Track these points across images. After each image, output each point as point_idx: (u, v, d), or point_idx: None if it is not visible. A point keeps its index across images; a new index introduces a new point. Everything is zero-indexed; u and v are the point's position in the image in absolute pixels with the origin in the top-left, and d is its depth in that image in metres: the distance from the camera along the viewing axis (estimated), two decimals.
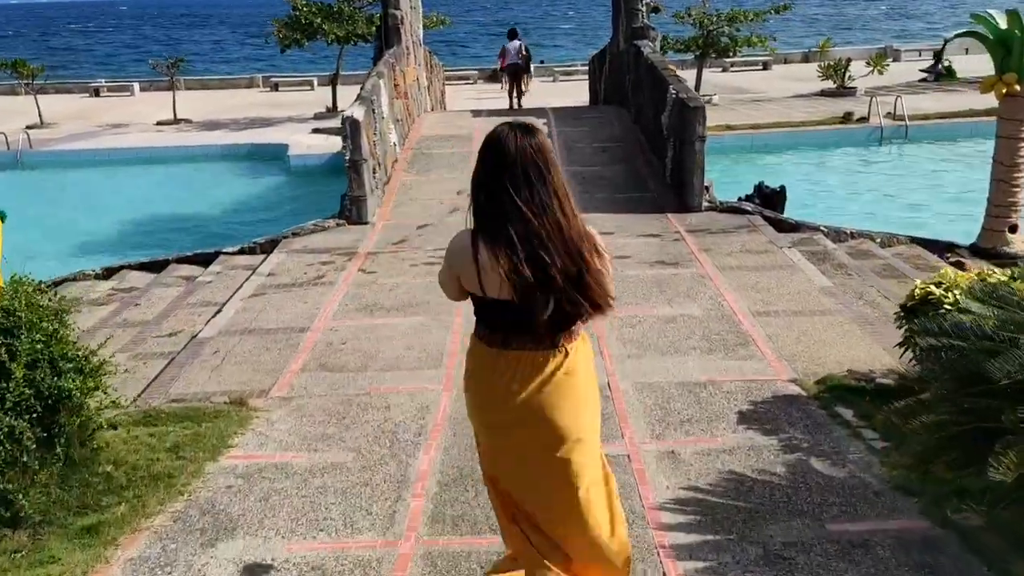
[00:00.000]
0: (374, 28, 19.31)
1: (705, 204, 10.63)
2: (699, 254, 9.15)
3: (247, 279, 8.89)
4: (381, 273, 8.88)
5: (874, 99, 22.07)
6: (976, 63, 33.19)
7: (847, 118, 22.11)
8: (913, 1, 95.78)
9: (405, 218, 10.94)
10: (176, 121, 26.95)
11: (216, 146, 22.92)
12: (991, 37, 10.56)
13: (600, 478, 3.20)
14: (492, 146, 2.94)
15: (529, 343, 2.95)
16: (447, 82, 35.69)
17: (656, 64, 12.65)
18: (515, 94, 21.56)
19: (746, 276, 8.39)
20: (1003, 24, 10.50)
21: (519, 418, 2.98)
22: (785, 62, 37.07)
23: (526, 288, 2.80)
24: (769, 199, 11.07)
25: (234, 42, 73.58)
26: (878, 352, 6.63)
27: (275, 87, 34.34)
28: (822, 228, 10.35)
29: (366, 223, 10.66)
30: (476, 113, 16.64)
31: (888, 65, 28.34)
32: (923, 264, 9.94)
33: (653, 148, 12.87)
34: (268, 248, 10.04)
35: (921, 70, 29.80)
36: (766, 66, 35.74)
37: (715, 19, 26.78)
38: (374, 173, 11.04)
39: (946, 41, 11.52)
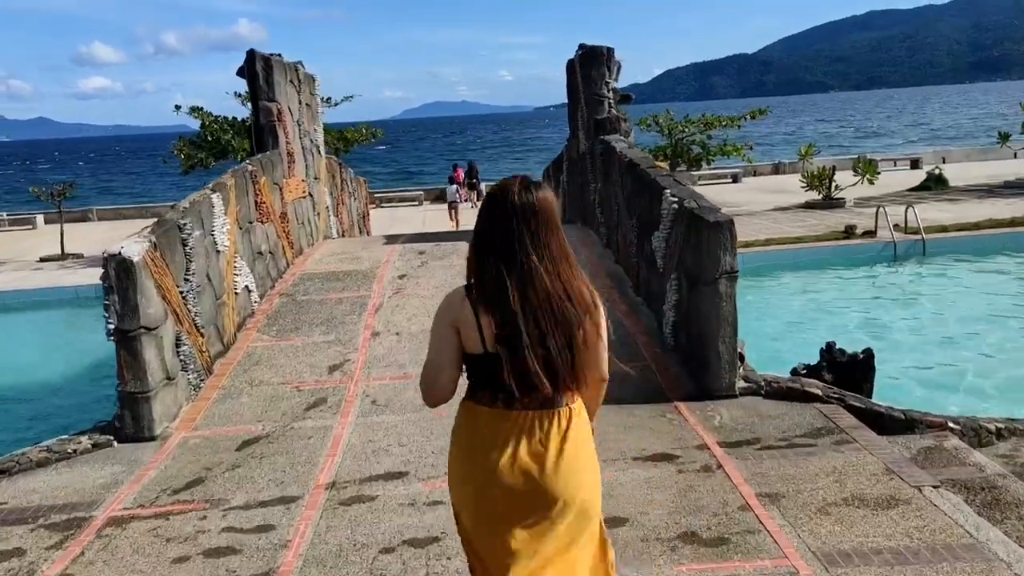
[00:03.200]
0: None
1: (741, 385, 6.05)
2: (762, 510, 4.48)
3: None
4: None
5: (882, 209, 18.07)
6: (962, 170, 30.12)
7: (850, 232, 18.02)
8: (868, 120, 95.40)
9: (227, 424, 6.18)
10: (63, 256, 22.29)
11: (90, 287, 18.20)
12: None
13: (596, 547, 2.84)
14: (494, 196, 2.69)
15: (533, 402, 2.63)
16: (390, 203, 31.64)
17: (639, 162, 8.28)
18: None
19: None
20: None
21: (519, 483, 2.63)
22: (755, 174, 33.67)
23: (514, 342, 2.57)
24: (848, 371, 6.51)
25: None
26: None
27: None
28: (951, 424, 5.78)
29: (150, 438, 5.88)
30: (392, 239, 12.11)
31: (879, 173, 24.65)
32: None
33: (638, 287, 8.36)
34: None
35: None
36: (735, 179, 32.21)
37: (685, 126, 23.13)
38: (177, 347, 6.36)
39: None
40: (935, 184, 25.70)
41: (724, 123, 22.98)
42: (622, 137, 10.37)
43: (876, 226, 18.01)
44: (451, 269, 9.52)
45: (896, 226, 17.81)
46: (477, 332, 2.60)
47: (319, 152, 12.62)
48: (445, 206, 26.22)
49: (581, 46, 11.57)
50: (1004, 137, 25.79)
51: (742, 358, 6.07)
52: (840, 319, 12.98)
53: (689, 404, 5.94)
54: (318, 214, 12.09)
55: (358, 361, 7.16)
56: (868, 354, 6.53)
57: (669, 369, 6.58)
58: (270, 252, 9.36)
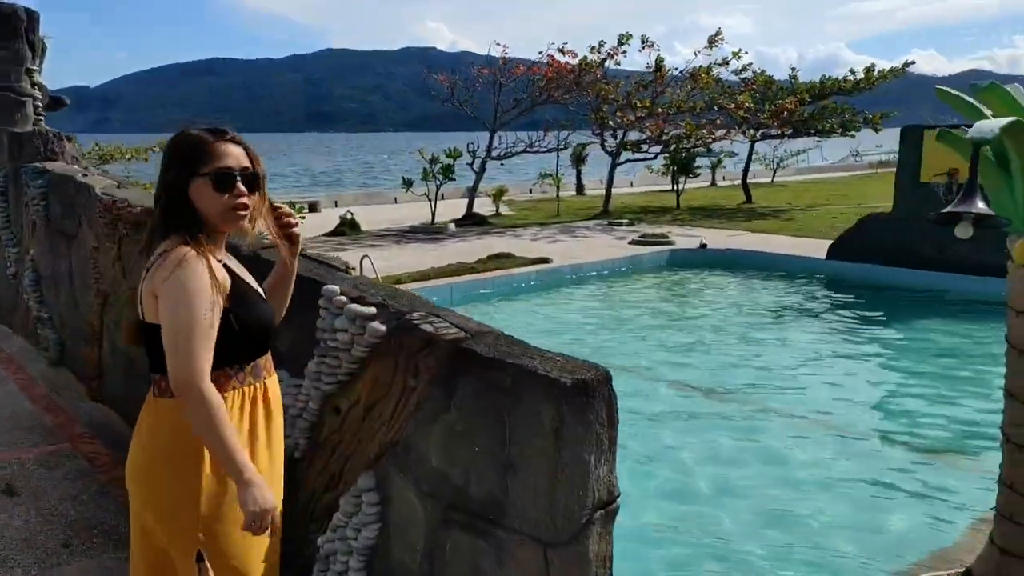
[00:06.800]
0: None
1: None
2: None
3: None
4: None
5: (367, 259, 15.57)
6: (362, 214, 29.45)
7: None
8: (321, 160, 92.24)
9: None
10: None
11: None
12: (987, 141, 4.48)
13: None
14: None
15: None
16: None
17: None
18: None
19: None
20: (991, 113, 4.61)
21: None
22: None
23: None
24: None
25: None
26: None
27: None
28: None
29: None
30: None
31: (304, 217, 22.37)
32: None
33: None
34: None
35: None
36: None
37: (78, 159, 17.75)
38: None
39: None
40: (349, 229, 24.53)
41: (128, 156, 18.41)
42: (67, 163, 5.78)
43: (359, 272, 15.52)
44: None
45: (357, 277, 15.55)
46: None
47: None
48: None
49: None
50: (408, 183, 26.04)
51: None
52: None
53: None
54: None
55: None
56: None
57: None
58: None
